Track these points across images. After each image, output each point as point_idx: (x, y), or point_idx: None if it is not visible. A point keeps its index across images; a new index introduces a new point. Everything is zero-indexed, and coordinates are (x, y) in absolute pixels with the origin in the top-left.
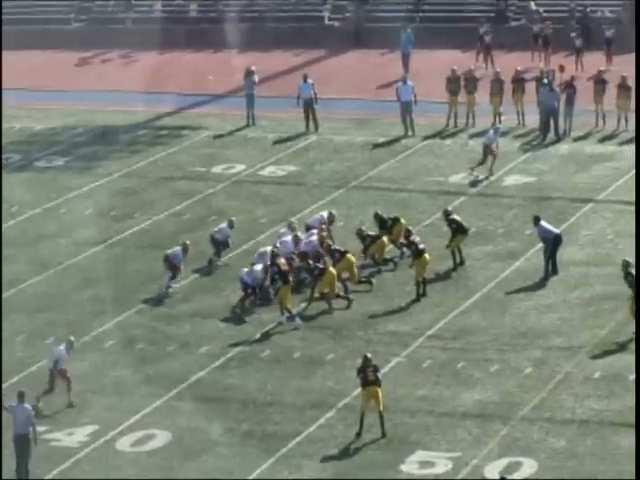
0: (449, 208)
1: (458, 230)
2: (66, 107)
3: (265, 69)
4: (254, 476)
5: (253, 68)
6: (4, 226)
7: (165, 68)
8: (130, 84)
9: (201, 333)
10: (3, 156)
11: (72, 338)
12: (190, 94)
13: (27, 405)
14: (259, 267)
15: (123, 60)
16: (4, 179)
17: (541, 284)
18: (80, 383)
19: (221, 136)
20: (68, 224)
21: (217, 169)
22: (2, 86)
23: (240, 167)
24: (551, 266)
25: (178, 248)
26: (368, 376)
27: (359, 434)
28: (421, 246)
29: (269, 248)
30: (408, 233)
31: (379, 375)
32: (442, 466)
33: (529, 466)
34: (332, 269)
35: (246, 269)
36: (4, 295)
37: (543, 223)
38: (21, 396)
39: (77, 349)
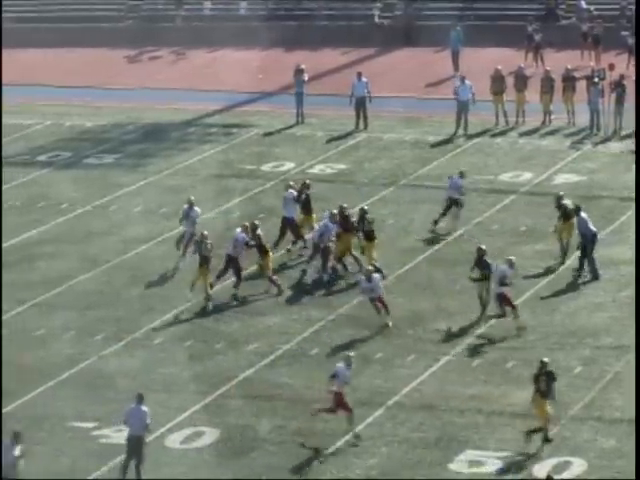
0: (561, 193)
1: (563, 216)
2: (116, 104)
3: (314, 67)
4: (302, 474)
5: (303, 66)
6: (54, 222)
7: (215, 66)
8: (180, 82)
9: (250, 331)
10: (52, 153)
11: (351, 354)
12: (239, 92)
13: (144, 408)
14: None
15: (173, 58)
16: (54, 176)
17: (591, 283)
18: (129, 380)
19: (270, 134)
20: (117, 221)
21: (266, 167)
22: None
23: (289, 165)
24: (590, 270)
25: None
26: (540, 385)
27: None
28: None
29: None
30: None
31: (553, 386)
32: (491, 465)
33: (578, 465)
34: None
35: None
36: (54, 292)
37: (584, 215)
38: (140, 398)
39: (126, 346)
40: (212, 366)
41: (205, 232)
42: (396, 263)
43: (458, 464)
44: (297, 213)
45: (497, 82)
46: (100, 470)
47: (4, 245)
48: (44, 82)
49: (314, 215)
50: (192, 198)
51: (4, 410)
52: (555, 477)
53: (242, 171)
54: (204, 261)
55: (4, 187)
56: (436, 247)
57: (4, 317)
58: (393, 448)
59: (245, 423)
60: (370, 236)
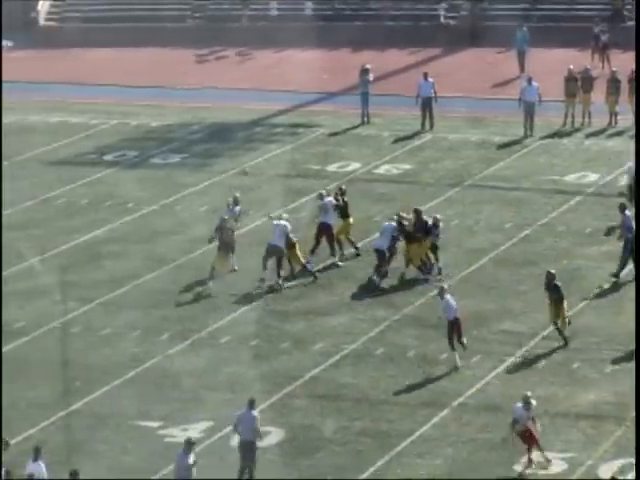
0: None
1: None
2: (182, 104)
3: (380, 67)
4: (367, 474)
5: (368, 66)
6: (120, 222)
7: (280, 66)
8: (246, 81)
9: (315, 330)
10: (118, 152)
11: (529, 394)
12: (305, 92)
13: (254, 413)
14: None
15: (239, 58)
16: (120, 175)
17: None
18: (194, 379)
19: (336, 134)
20: (183, 221)
21: (332, 167)
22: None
23: (355, 165)
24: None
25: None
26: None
27: None
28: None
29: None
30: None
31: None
32: (556, 466)
33: None
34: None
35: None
36: (120, 291)
37: (628, 213)
38: (251, 403)
39: (191, 345)
40: (277, 365)
41: (226, 217)
42: (462, 264)
43: (523, 465)
44: (335, 219)
45: (570, 83)
46: (166, 469)
47: (71, 244)
48: (110, 82)
49: (351, 219)
50: (237, 195)
51: (71, 408)
52: (619, 478)
53: (308, 171)
54: (224, 246)
55: (71, 186)
56: (502, 248)
57: (70, 316)
58: (458, 449)
59: (310, 423)
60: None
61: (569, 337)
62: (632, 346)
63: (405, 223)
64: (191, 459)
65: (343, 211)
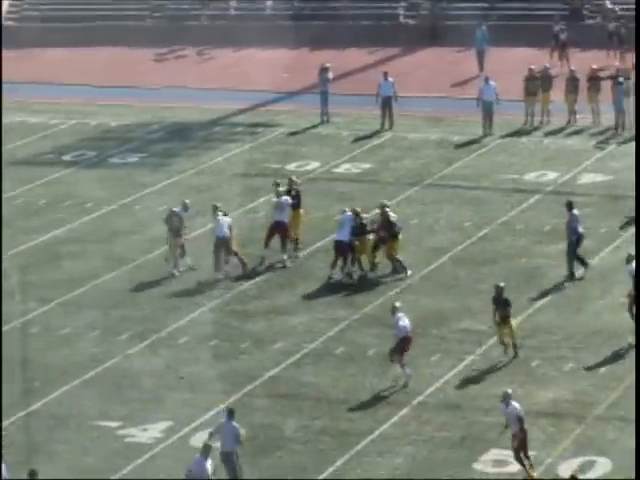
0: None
1: None
2: (141, 104)
3: (340, 67)
4: (328, 473)
5: (327, 65)
6: (79, 222)
7: (240, 65)
8: (205, 81)
9: (275, 330)
10: (77, 152)
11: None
12: (265, 91)
13: (234, 423)
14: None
15: (198, 57)
16: (79, 175)
17: (616, 283)
18: (154, 379)
19: (295, 133)
20: (142, 220)
21: (291, 166)
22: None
23: (315, 164)
24: (568, 267)
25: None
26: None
27: None
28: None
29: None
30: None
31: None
32: (515, 465)
33: (603, 465)
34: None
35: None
36: (79, 291)
37: (575, 212)
38: (230, 413)
39: (151, 345)
40: (237, 365)
41: (175, 209)
42: (421, 263)
43: (483, 464)
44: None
45: (530, 82)
46: (125, 469)
47: (29, 244)
48: (69, 82)
49: (302, 210)
50: (187, 201)
51: (30, 408)
52: (580, 477)
53: (267, 170)
54: (173, 234)
55: (30, 186)
56: (461, 246)
57: (29, 316)
58: (418, 448)
59: (270, 422)
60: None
61: (519, 347)
62: (591, 345)
63: (364, 217)
64: (209, 466)
65: (295, 202)
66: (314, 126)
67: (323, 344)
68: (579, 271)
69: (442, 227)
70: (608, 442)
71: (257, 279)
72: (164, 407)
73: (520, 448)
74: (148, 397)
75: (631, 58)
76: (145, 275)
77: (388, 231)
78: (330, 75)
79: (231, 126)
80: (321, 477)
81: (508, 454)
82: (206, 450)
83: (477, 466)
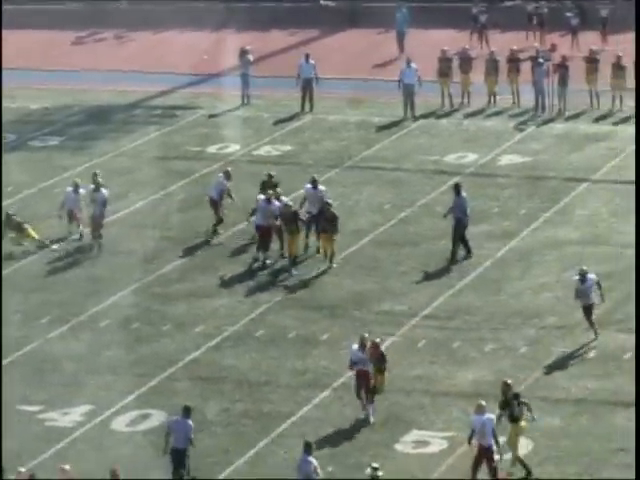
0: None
1: None
2: (61, 87)
3: (261, 49)
4: (249, 456)
5: (248, 47)
6: None
7: (160, 47)
8: (125, 64)
9: (196, 313)
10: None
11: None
12: (185, 74)
13: (189, 421)
14: None
15: (118, 40)
16: None
17: (536, 263)
18: (75, 363)
19: (216, 116)
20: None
21: (212, 149)
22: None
23: (235, 147)
24: (465, 248)
25: None
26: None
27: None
28: None
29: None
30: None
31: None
32: (437, 445)
33: (524, 445)
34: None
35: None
36: None
37: (464, 195)
38: (186, 411)
39: (72, 329)
40: (158, 348)
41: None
42: (342, 245)
43: (404, 444)
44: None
45: (443, 64)
46: (46, 453)
47: None
48: None
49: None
50: (100, 179)
51: None
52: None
53: (187, 153)
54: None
55: None
56: (382, 228)
57: None
58: (340, 429)
59: (192, 405)
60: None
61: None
62: (511, 325)
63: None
64: (314, 464)
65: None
66: (234, 108)
67: (244, 327)
68: (461, 253)
69: (362, 209)
70: (528, 422)
71: (178, 262)
72: (85, 391)
73: None
74: (69, 381)
75: (550, 39)
76: (66, 259)
77: (331, 225)
78: (250, 57)
79: (151, 109)
80: (243, 460)
81: (429, 435)
82: (308, 448)
83: (398, 447)
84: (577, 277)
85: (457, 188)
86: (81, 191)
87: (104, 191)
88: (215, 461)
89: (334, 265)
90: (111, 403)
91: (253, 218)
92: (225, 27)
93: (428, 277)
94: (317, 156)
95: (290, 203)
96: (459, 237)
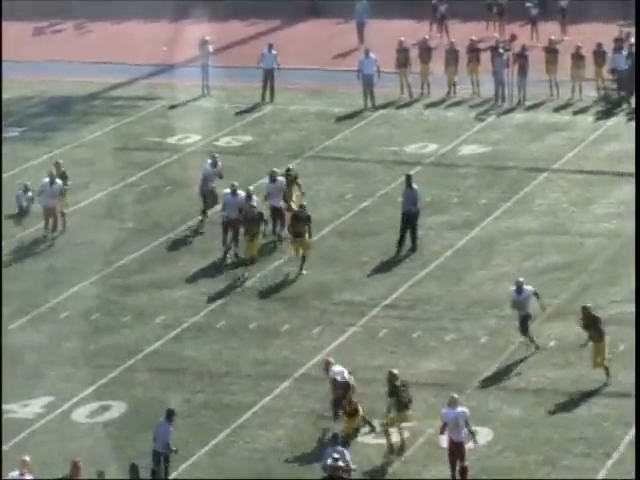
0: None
1: None
2: (21, 78)
3: (221, 39)
4: (210, 446)
5: (207, 38)
6: None
7: (119, 38)
8: (84, 55)
9: (156, 304)
10: None
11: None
12: (145, 64)
13: (171, 427)
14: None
15: (77, 31)
16: None
17: (496, 253)
18: (35, 354)
19: (176, 106)
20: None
21: (172, 139)
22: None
23: (195, 137)
24: (412, 242)
25: None
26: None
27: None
28: None
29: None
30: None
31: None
32: (397, 435)
33: (484, 434)
34: None
35: None
36: None
37: (416, 187)
38: (169, 414)
39: (32, 320)
40: (119, 339)
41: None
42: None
43: (362, 435)
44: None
45: (401, 54)
46: (6, 445)
47: None
48: None
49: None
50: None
51: None
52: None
53: (147, 144)
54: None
55: None
56: (342, 218)
57: None
58: (300, 420)
59: (152, 396)
60: None
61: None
62: (472, 315)
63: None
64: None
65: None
66: (194, 99)
67: (204, 318)
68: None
69: (323, 199)
70: (489, 412)
71: (138, 253)
72: (45, 382)
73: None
74: (29, 372)
75: (510, 29)
76: (25, 249)
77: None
78: (210, 48)
79: (111, 100)
80: (203, 450)
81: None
82: (334, 438)
83: (358, 437)
84: (513, 288)
85: (408, 180)
86: (57, 181)
87: (59, 182)
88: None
89: (304, 272)
90: (71, 394)
91: (224, 213)
92: (184, 18)
93: (389, 267)
94: (277, 146)
95: (255, 204)
96: (410, 230)
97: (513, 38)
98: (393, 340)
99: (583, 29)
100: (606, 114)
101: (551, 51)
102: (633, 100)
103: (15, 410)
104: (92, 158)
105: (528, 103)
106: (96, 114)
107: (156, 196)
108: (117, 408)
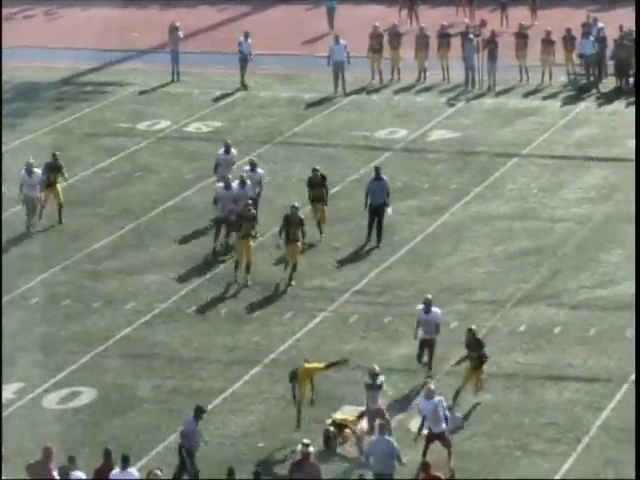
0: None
1: None
2: None
3: (191, 25)
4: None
5: (177, 24)
6: None
7: (89, 24)
8: (54, 40)
9: (127, 289)
10: None
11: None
12: (115, 50)
13: (197, 425)
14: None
15: (47, 16)
16: None
17: (466, 238)
18: (6, 340)
19: (146, 92)
20: None
21: (142, 125)
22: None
23: (165, 123)
24: (377, 235)
25: None
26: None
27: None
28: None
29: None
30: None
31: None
32: (364, 421)
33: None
34: None
35: None
36: None
37: (385, 178)
38: (198, 412)
39: (2, 306)
40: (89, 325)
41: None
42: (273, 221)
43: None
44: None
45: (375, 40)
46: None
47: None
48: None
49: None
50: (31, 161)
51: None
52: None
53: (118, 129)
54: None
55: None
56: None
57: None
58: (270, 405)
59: (122, 382)
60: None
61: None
62: (442, 300)
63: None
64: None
65: None
66: (164, 85)
67: (175, 303)
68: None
69: (294, 185)
70: (459, 397)
71: (108, 239)
72: (16, 368)
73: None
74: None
75: (480, 15)
76: None
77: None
78: (180, 34)
79: (81, 85)
80: (174, 436)
81: (360, 410)
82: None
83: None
84: (421, 306)
85: (377, 171)
86: (35, 170)
87: (37, 171)
88: (147, 438)
89: (293, 283)
90: (42, 381)
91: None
92: (154, 3)
93: (359, 252)
94: (248, 132)
95: (251, 207)
96: (377, 223)
97: (483, 24)
98: (364, 325)
99: (553, 14)
100: (575, 99)
101: (521, 36)
102: (601, 86)
103: None
104: (62, 144)
105: (498, 88)
106: (66, 100)
107: (126, 182)
108: (87, 394)
